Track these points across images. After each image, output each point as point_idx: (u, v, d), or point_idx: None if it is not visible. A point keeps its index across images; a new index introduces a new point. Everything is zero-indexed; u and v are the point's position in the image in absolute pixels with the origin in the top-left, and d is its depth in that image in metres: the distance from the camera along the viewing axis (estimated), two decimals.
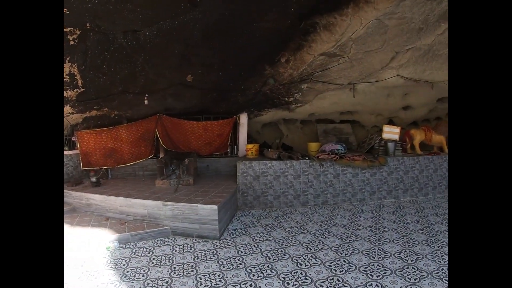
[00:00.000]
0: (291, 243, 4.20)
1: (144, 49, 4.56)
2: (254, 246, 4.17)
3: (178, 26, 4.16)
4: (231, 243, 4.26)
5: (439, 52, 5.70)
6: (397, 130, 6.54)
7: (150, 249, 4.10)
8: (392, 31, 4.93)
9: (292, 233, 4.58)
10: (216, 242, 4.31)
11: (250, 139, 7.85)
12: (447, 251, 3.82)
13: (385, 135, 6.58)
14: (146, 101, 6.21)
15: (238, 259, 3.77)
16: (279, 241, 4.30)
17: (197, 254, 3.93)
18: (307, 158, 6.05)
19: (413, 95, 6.92)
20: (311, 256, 3.81)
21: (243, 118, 7.23)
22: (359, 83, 6.50)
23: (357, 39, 4.98)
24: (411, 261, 3.61)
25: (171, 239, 4.43)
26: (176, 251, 4.03)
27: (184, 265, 3.62)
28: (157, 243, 4.29)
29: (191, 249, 4.09)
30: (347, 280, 3.18)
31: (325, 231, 4.63)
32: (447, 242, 4.14)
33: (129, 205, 4.94)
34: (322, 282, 3.17)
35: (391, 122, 7.84)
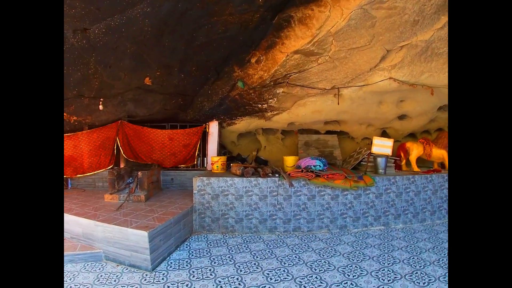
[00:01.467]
0: (234, 286, 3.23)
1: (94, 48, 4.14)
2: (188, 285, 3.24)
3: (126, 22, 3.72)
4: (163, 279, 3.38)
5: (439, 50, 4.75)
6: (389, 143, 5.50)
7: (73, 275, 3.48)
8: (382, 24, 4.07)
9: (241, 271, 3.60)
10: (146, 276, 3.47)
11: (225, 151, 6.96)
12: None
13: (375, 149, 5.55)
14: (101, 106, 5.61)
15: None
16: (220, 281, 3.33)
17: None
18: (277, 175, 5.08)
19: (410, 102, 5.89)
20: None
21: (213, 127, 6.36)
22: (344, 88, 5.55)
23: (338, 33, 4.16)
24: None
25: (102, 265, 3.75)
26: (98, 280, 3.32)
27: None
28: (84, 268, 3.67)
29: (115, 281, 3.34)
30: None
31: (283, 271, 3.62)
32: None
33: (65, 221, 4.25)
34: None
35: (384, 134, 6.78)
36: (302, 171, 5.04)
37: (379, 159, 5.31)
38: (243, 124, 6.42)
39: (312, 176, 4.93)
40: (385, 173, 5.34)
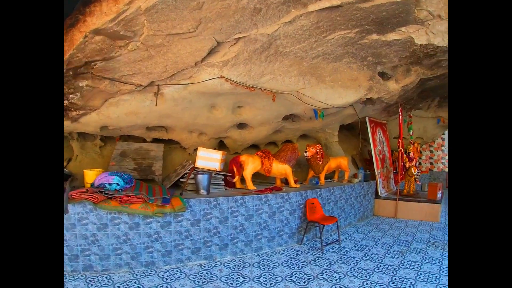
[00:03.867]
0: None
1: None
2: None
3: None
4: None
5: (285, 49, 4.05)
6: (217, 155, 4.57)
7: None
8: (212, 7, 3.12)
9: None
10: None
11: None
12: None
13: (199, 163, 4.56)
14: None
15: None
16: None
17: None
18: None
19: (249, 109, 5.12)
20: None
21: None
22: (166, 86, 4.40)
23: (151, 12, 3.07)
24: None
25: None
26: None
27: None
28: None
29: None
30: None
31: None
32: None
33: None
34: None
35: (222, 146, 5.94)
36: (87, 191, 3.64)
37: (199, 176, 4.29)
38: None
39: (97, 198, 3.56)
40: (208, 192, 4.34)
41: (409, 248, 4.58)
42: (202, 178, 4.29)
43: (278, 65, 4.33)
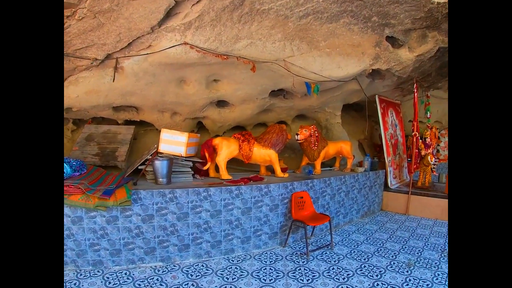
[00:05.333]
0: None
1: None
2: None
3: None
4: None
5: (264, 6, 3.28)
6: (182, 138, 3.78)
7: None
8: None
9: None
10: None
11: None
12: None
13: (163, 147, 3.79)
14: None
15: None
16: None
17: None
18: None
19: (227, 83, 4.26)
20: None
21: None
22: (125, 58, 3.65)
23: None
24: None
25: None
26: None
27: None
28: None
29: None
30: None
31: None
32: None
33: None
34: None
35: (202, 128, 5.12)
36: None
37: (156, 163, 3.51)
38: None
39: None
40: (168, 182, 3.57)
41: (418, 259, 3.64)
42: (160, 165, 3.52)
43: (256, 27, 3.44)
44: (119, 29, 3.20)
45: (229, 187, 3.58)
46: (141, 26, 3.22)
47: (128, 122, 4.80)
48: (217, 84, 4.27)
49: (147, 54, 3.59)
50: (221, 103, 4.69)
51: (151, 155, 3.81)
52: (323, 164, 5.51)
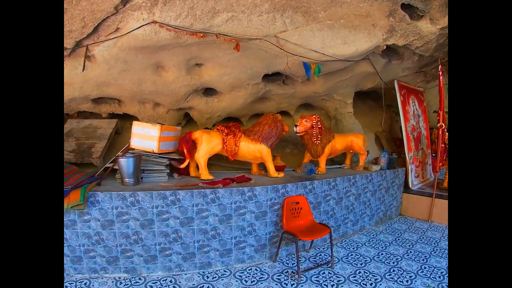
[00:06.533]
0: None
1: None
2: None
3: None
4: None
5: None
6: (154, 132, 3.24)
7: None
8: None
9: None
10: None
11: None
12: None
13: (134, 142, 3.27)
14: None
15: None
16: None
17: None
18: None
19: (211, 67, 3.65)
20: None
21: None
22: (95, 45, 3.17)
23: None
24: None
25: None
26: None
27: None
28: None
29: None
30: None
31: None
32: None
33: None
34: None
35: (191, 121, 4.52)
36: None
37: (121, 161, 2.98)
38: None
39: None
40: (135, 183, 3.04)
41: (440, 284, 2.88)
42: (125, 163, 2.98)
43: None
44: (82, 12, 2.76)
45: (202, 190, 2.98)
46: (104, 7, 2.73)
47: (113, 116, 4.36)
48: (200, 69, 3.67)
49: (116, 37, 3.07)
50: (208, 91, 4.09)
51: (122, 151, 3.31)
52: (330, 161, 4.78)
